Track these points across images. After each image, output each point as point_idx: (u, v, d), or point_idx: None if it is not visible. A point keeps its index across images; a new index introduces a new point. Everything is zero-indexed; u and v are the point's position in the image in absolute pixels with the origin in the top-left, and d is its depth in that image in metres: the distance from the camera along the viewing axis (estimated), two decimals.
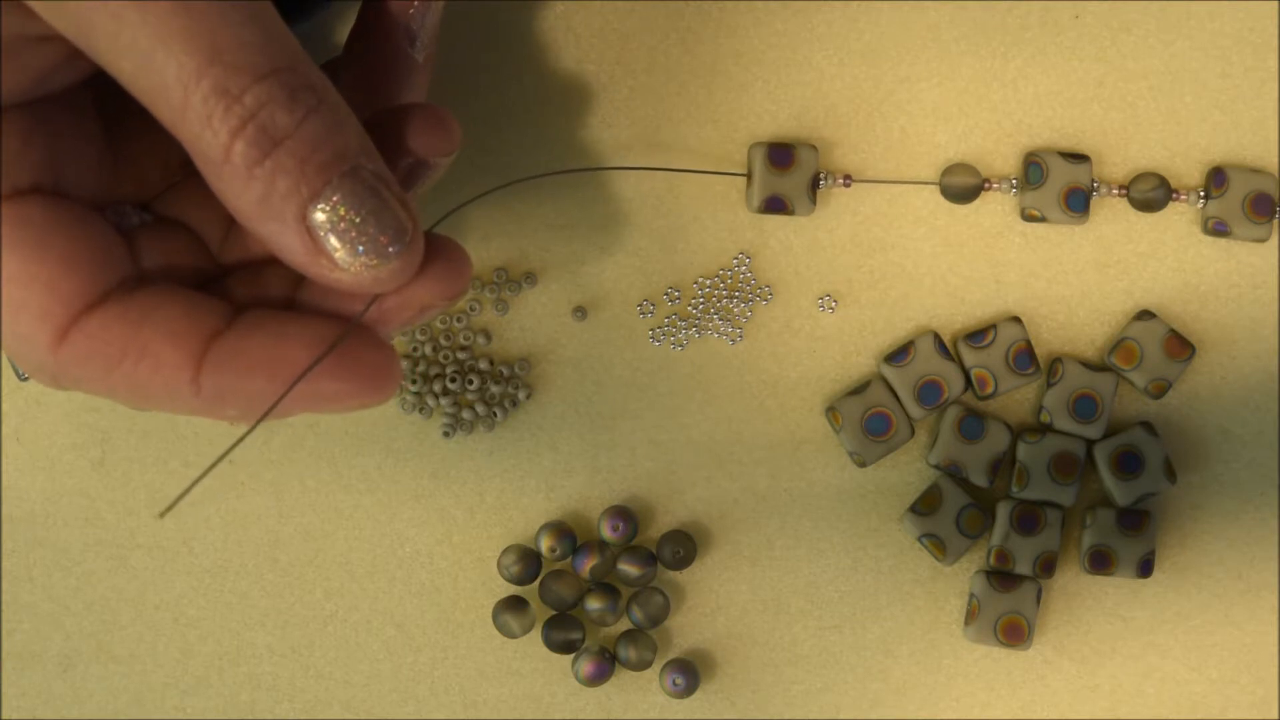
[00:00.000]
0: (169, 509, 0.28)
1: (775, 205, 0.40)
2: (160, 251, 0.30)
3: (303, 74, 0.26)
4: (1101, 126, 0.42)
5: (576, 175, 0.41)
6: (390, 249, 0.27)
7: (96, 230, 0.28)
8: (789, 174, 0.40)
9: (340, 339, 0.28)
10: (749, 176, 0.41)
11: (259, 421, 0.28)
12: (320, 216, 0.27)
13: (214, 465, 0.29)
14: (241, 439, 0.29)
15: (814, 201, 0.40)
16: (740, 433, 0.42)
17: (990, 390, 0.41)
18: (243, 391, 0.28)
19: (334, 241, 0.27)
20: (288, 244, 0.27)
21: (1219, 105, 0.42)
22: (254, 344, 0.28)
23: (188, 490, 0.29)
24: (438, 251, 0.29)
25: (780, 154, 0.40)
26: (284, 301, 0.30)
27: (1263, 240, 0.41)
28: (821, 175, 0.41)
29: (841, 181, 0.41)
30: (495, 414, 0.41)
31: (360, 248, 0.27)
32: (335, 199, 0.27)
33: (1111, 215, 0.42)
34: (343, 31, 0.40)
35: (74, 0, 0.25)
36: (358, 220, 0.27)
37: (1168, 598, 0.43)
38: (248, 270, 0.30)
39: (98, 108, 0.30)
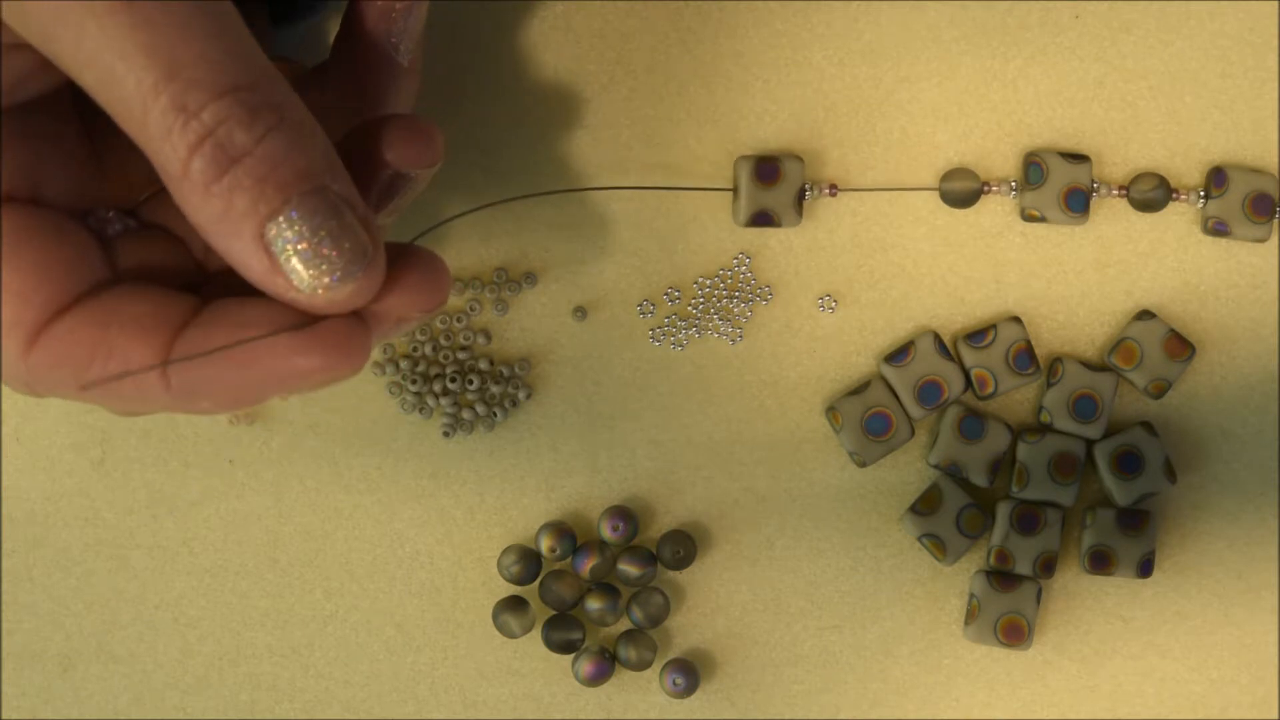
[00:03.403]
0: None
1: (762, 220, 0.40)
2: (141, 258, 0.30)
3: (264, 92, 0.26)
4: (1101, 126, 0.42)
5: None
6: (349, 270, 0.27)
7: (70, 238, 0.28)
8: (775, 188, 0.40)
9: (303, 324, 0.28)
10: (735, 191, 0.41)
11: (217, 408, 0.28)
12: (278, 236, 0.26)
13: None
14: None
15: (800, 214, 0.40)
16: (740, 433, 0.42)
17: (990, 390, 0.41)
18: (211, 382, 0.27)
19: (292, 262, 0.27)
20: (245, 261, 0.27)
21: (1219, 105, 0.42)
22: (218, 333, 0.28)
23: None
24: (415, 263, 0.29)
25: (766, 169, 0.40)
26: None
27: (1263, 240, 0.41)
28: (807, 186, 0.40)
29: (827, 191, 0.41)
30: (495, 414, 0.41)
31: (318, 269, 0.27)
32: (294, 219, 0.26)
33: (1111, 215, 0.42)
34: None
35: (37, 12, 0.25)
36: (315, 241, 0.27)
37: (1168, 598, 0.43)
38: (230, 276, 0.30)
39: (81, 112, 0.30)
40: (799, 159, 0.40)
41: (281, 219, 0.26)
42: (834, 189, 0.41)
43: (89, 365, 0.27)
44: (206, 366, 0.27)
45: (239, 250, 0.27)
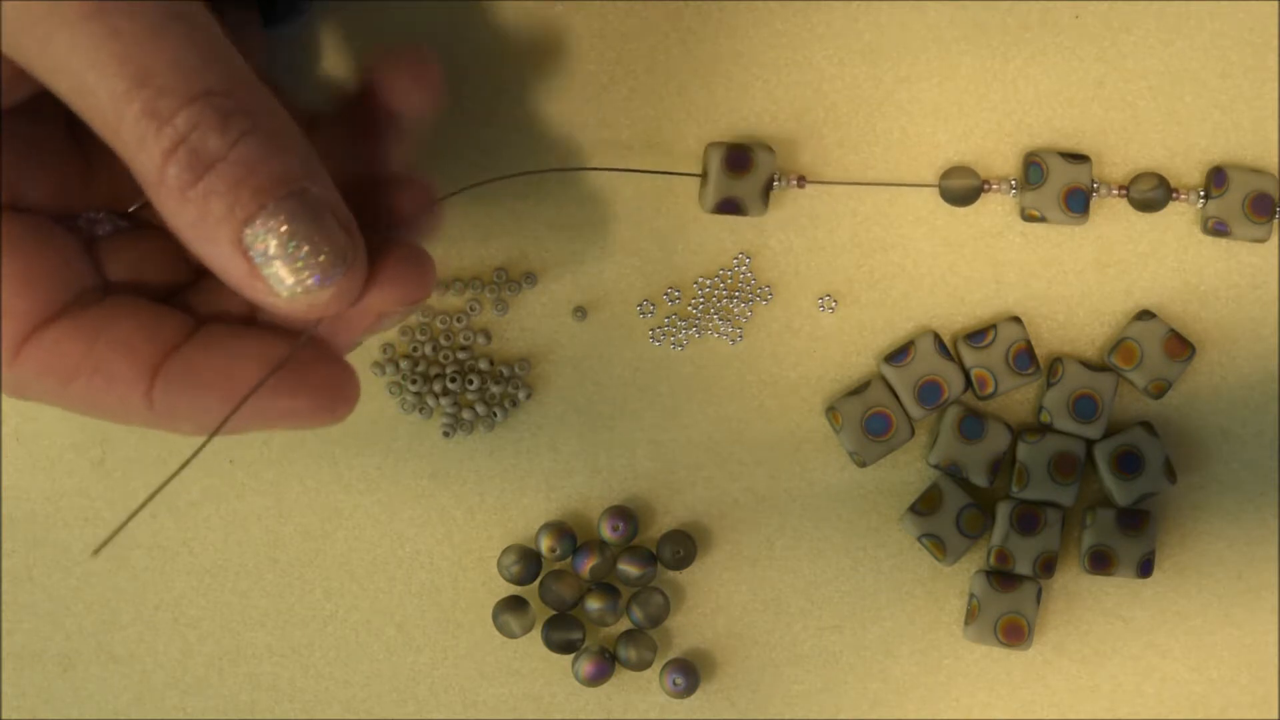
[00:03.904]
0: (102, 546, 0.28)
1: (729, 207, 0.40)
2: (130, 260, 0.29)
3: (238, 97, 0.26)
4: (1101, 126, 0.42)
5: (575, 175, 0.41)
6: (329, 273, 0.27)
7: (56, 245, 0.28)
8: (745, 177, 0.40)
9: (286, 359, 0.28)
10: (704, 177, 0.40)
11: (206, 442, 0.28)
12: (256, 241, 0.26)
13: (153, 495, 0.29)
14: (186, 463, 0.29)
15: (766, 204, 0.40)
16: (740, 433, 0.42)
17: (990, 390, 0.41)
18: (194, 408, 0.27)
19: (271, 266, 0.27)
20: (225, 266, 0.27)
21: (1219, 105, 0.42)
22: (207, 361, 0.28)
23: (123, 525, 0.29)
24: (395, 257, 0.29)
25: (738, 157, 0.40)
26: (247, 312, 0.30)
27: (1263, 240, 0.41)
28: (776, 177, 0.40)
29: (794, 183, 0.40)
30: (495, 414, 0.41)
31: (297, 273, 0.27)
32: (272, 223, 0.26)
33: (1111, 215, 0.42)
34: (331, 33, 0.40)
35: (8, 23, 0.25)
36: (293, 244, 0.26)
37: (1168, 598, 0.43)
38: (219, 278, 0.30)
39: (69, 115, 0.30)
40: (770, 149, 0.40)
41: (259, 223, 0.26)
42: (802, 180, 0.40)
43: (74, 378, 0.27)
44: (192, 392, 0.27)
45: (218, 256, 0.27)
